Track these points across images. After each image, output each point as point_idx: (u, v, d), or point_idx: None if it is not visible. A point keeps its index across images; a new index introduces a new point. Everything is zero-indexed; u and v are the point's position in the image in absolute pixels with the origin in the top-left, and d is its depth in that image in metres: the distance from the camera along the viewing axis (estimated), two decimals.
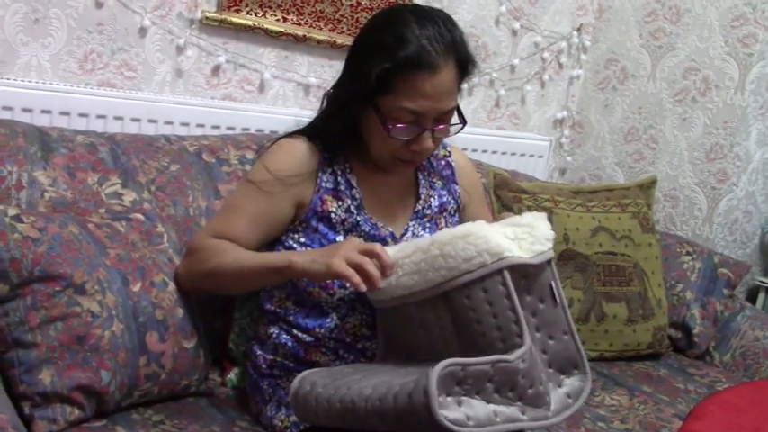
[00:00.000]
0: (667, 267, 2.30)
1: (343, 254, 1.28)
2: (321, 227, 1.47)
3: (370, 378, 1.19)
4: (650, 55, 2.75)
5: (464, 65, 1.42)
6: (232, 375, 1.65)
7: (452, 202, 1.62)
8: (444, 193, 1.60)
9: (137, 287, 1.41)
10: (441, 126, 1.42)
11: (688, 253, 2.36)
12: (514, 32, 2.70)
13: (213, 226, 1.51)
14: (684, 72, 2.66)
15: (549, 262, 1.27)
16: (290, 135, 1.53)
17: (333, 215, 1.46)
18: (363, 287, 1.26)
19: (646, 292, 2.15)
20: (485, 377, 1.13)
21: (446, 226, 1.58)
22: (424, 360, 1.27)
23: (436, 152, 1.62)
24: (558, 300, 1.27)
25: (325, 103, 1.52)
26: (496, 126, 2.78)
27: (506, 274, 1.21)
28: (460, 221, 1.65)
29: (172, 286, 1.48)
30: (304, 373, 1.28)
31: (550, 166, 2.95)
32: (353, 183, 1.49)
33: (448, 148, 1.66)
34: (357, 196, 1.49)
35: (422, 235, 1.54)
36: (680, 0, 2.67)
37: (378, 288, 1.27)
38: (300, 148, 1.49)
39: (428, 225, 1.56)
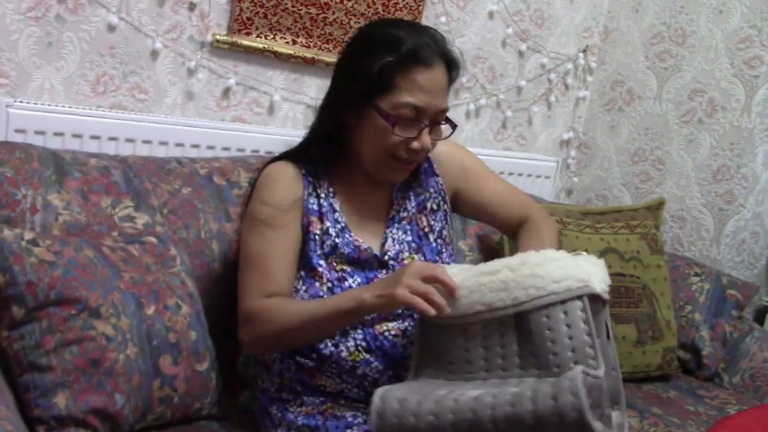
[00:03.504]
0: (676, 289, 2.30)
1: (406, 282, 1.29)
2: (306, 248, 1.49)
3: (460, 390, 1.22)
4: (656, 76, 2.77)
5: (451, 68, 1.48)
6: (243, 398, 1.65)
7: (433, 198, 1.62)
8: (421, 190, 1.61)
9: (150, 310, 1.42)
10: (435, 124, 1.46)
11: (696, 274, 2.36)
12: (521, 54, 2.71)
13: (254, 284, 1.46)
14: (690, 94, 2.67)
15: (605, 302, 1.32)
16: (274, 160, 1.56)
17: (316, 236, 1.49)
18: (432, 311, 1.28)
19: (655, 313, 2.15)
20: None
21: (429, 224, 1.59)
22: (474, 374, 1.31)
23: None
24: (610, 337, 1.31)
25: (316, 117, 1.56)
26: (503, 147, 2.79)
27: (586, 300, 1.26)
28: (461, 206, 1.68)
29: (185, 309, 1.48)
30: (380, 391, 1.27)
31: (557, 187, 2.96)
32: (336, 207, 1.52)
33: None
34: (341, 220, 1.51)
35: (404, 239, 1.56)
36: (685, 22, 2.68)
37: (444, 313, 1.29)
38: (287, 173, 1.52)
39: (408, 227, 1.57)
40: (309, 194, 1.51)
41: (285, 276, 1.47)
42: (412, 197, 1.59)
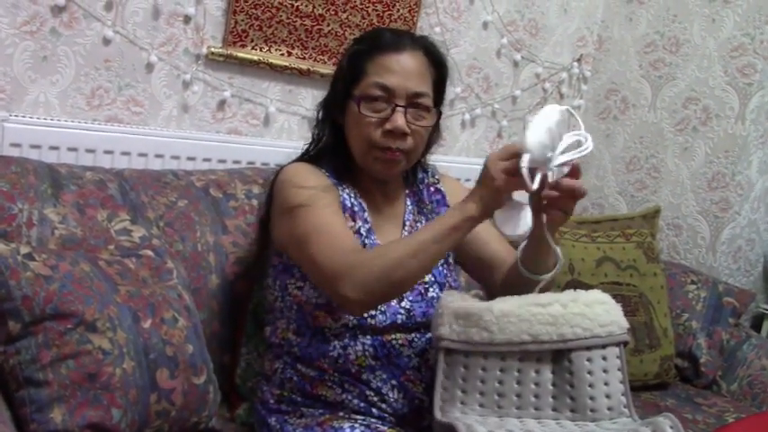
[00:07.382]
0: (672, 297, 2.30)
1: (493, 172, 1.24)
2: None
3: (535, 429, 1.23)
4: (650, 85, 2.78)
5: (432, 56, 1.49)
6: (241, 411, 1.65)
7: None
8: (433, 217, 1.61)
9: (147, 324, 1.41)
10: (413, 108, 1.44)
11: (693, 282, 2.36)
12: (516, 64, 2.72)
13: (328, 246, 1.35)
14: (685, 102, 2.68)
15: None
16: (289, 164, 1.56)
17: None
18: (532, 185, 1.20)
19: (652, 321, 2.15)
20: None
21: None
22: (505, 410, 1.30)
23: (426, 180, 1.64)
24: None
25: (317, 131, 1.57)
26: None
27: (623, 348, 1.31)
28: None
29: (182, 322, 1.47)
30: (462, 427, 1.23)
31: None
32: (365, 206, 1.52)
33: (437, 176, 1.67)
34: (369, 220, 1.51)
35: None
36: (679, 31, 2.70)
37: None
38: (313, 168, 1.52)
39: None
40: (341, 189, 1.51)
41: (352, 237, 1.40)
42: (423, 221, 1.60)
